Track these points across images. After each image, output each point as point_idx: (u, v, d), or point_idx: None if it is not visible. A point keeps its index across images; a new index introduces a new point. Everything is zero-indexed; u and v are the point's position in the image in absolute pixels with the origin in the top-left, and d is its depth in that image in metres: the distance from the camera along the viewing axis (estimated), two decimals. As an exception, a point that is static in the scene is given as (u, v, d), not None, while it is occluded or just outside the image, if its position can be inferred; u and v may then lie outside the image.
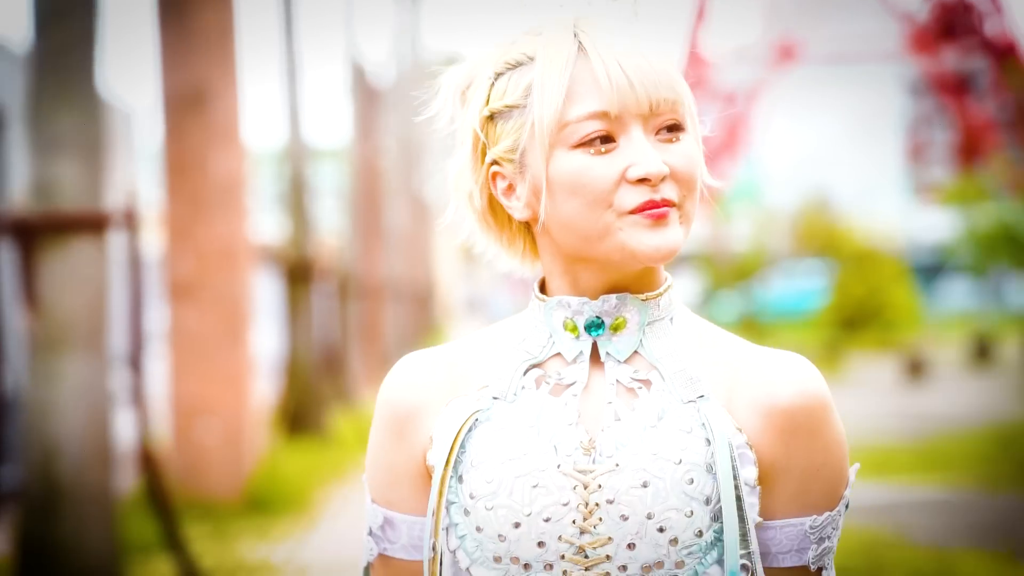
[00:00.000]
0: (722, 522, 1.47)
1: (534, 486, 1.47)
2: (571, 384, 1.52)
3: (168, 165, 9.84)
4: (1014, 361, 24.12)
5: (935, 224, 24.12)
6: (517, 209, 1.54)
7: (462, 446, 1.51)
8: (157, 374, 10.46)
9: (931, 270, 43.48)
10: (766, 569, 1.54)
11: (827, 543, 1.54)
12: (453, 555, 1.51)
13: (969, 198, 14.21)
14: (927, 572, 7.13)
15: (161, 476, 6.60)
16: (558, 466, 1.47)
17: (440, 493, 1.50)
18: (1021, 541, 8.10)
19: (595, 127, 1.48)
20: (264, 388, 13.02)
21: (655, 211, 1.47)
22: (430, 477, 1.55)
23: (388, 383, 1.59)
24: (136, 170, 13.77)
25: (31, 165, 5.81)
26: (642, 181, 1.47)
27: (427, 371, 1.58)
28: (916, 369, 22.02)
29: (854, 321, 29.39)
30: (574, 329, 1.53)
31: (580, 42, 1.51)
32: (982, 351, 25.47)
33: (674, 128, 1.51)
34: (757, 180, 50.37)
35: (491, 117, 1.54)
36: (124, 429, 7.37)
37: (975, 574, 7.08)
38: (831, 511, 1.54)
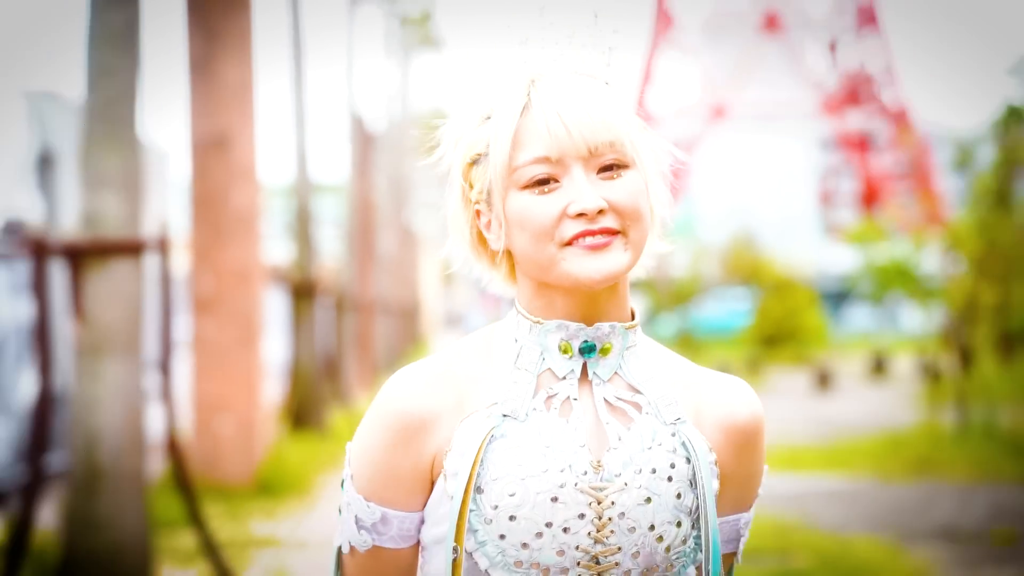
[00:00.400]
0: (699, 530, 1.46)
1: (554, 500, 1.42)
2: (569, 401, 1.48)
3: (194, 198, 9.75)
4: (905, 375, 24.17)
5: (841, 258, 24.21)
6: (494, 241, 1.51)
7: (481, 461, 1.45)
8: (182, 376, 10.37)
9: (838, 297, 43.53)
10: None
11: (747, 534, 1.57)
12: (470, 556, 1.45)
13: (868, 237, 14.28)
14: (827, 553, 7.05)
15: (185, 463, 6.52)
16: (575, 484, 1.43)
17: (464, 503, 1.43)
18: (906, 526, 8.05)
19: (539, 170, 1.44)
20: (273, 389, 12.82)
21: (592, 240, 1.42)
22: (431, 482, 1.48)
23: (396, 394, 1.49)
24: (167, 202, 13.66)
25: (80, 198, 5.75)
26: (580, 216, 1.42)
27: (434, 385, 1.49)
28: (824, 381, 22.01)
29: (773, 339, 29.37)
30: (568, 350, 1.48)
31: (530, 96, 1.46)
32: (879, 366, 25.52)
33: (615, 166, 1.45)
34: (693, 218, 50.36)
35: (471, 163, 1.51)
36: (154, 422, 7.30)
37: (868, 554, 7.03)
38: (752, 508, 1.57)
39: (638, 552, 1.43)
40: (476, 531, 1.43)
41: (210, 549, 6.16)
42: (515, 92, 1.47)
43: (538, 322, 1.49)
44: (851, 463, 11.11)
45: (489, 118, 1.49)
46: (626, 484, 1.43)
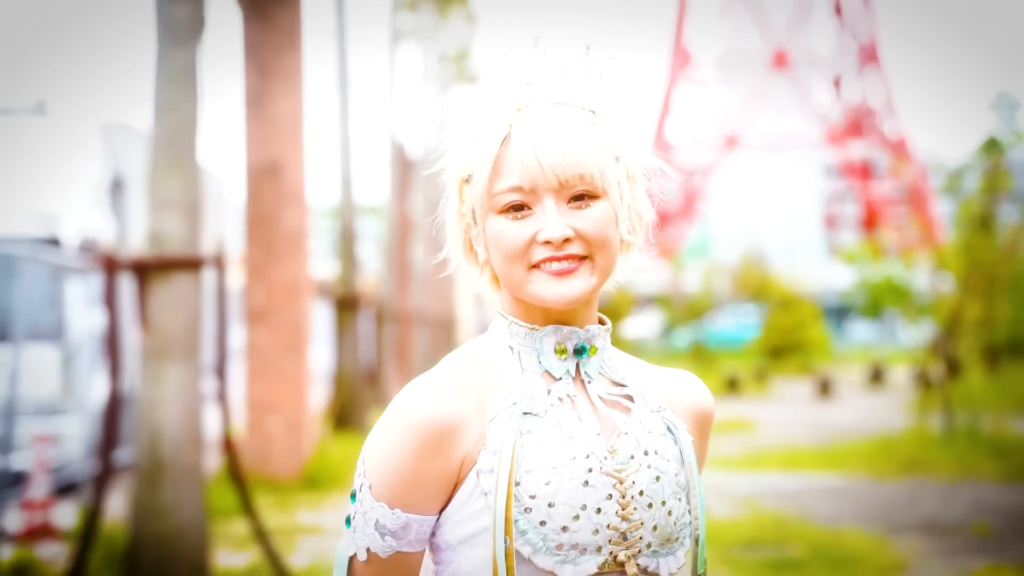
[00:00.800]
0: (690, 503, 1.50)
1: (585, 484, 1.42)
2: (576, 397, 1.49)
3: (248, 219, 9.86)
4: (901, 384, 24.06)
5: (844, 277, 24.19)
6: (480, 252, 1.52)
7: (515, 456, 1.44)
8: (236, 380, 10.49)
9: (840, 313, 43.33)
10: None
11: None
12: (514, 546, 1.42)
13: (864, 257, 14.31)
14: (820, 543, 7.08)
15: (239, 458, 6.62)
16: (600, 468, 1.44)
17: (508, 496, 1.41)
18: (893, 520, 8.07)
19: (512, 198, 1.44)
20: (318, 393, 12.89)
21: (557, 267, 1.43)
22: (456, 484, 1.45)
23: (422, 402, 1.45)
24: (224, 222, 13.84)
25: (147, 219, 5.90)
26: (547, 243, 1.43)
27: (455, 392, 1.47)
28: (825, 389, 21.93)
29: (779, 351, 29.29)
30: (563, 352, 1.49)
31: (511, 127, 1.46)
32: (877, 376, 25.40)
33: (585, 196, 1.44)
34: (707, 239, 50.24)
35: (464, 181, 1.51)
36: (211, 422, 7.42)
37: (857, 545, 7.05)
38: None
39: (656, 526, 1.45)
40: (516, 521, 1.42)
41: (261, 536, 6.23)
42: (499, 122, 1.47)
43: (533, 328, 1.49)
44: (846, 463, 11.10)
45: (476, 143, 1.48)
46: (640, 465, 1.45)
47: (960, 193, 12.74)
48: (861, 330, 44.11)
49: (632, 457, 1.46)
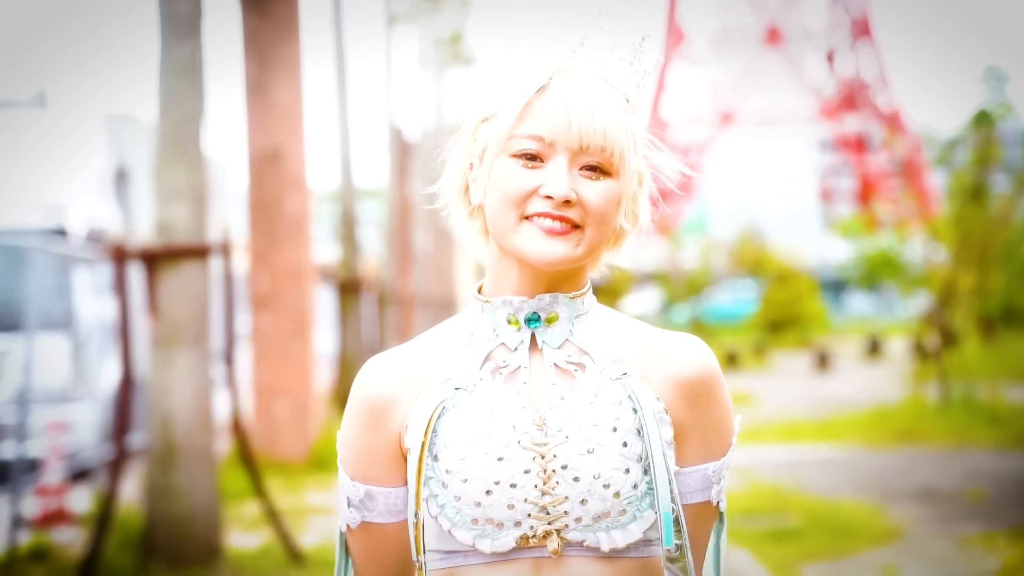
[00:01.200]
0: (652, 475, 1.41)
1: (499, 459, 1.40)
2: (517, 369, 1.46)
3: (251, 206, 9.91)
4: (898, 355, 24.17)
5: (840, 250, 24.29)
6: (475, 194, 1.49)
7: (434, 431, 1.43)
8: (243, 365, 10.57)
9: (837, 286, 43.43)
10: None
11: (724, 482, 1.50)
12: (436, 520, 1.43)
13: (858, 230, 14.42)
14: (817, 512, 7.17)
15: (249, 442, 6.72)
16: (518, 442, 1.41)
17: (419, 472, 1.42)
18: (889, 489, 8.18)
19: (530, 145, 1.42)
20: (323, 376, 12.96)
21: (550, 224, 1.41)
22: (404, 457, 1.47)
23: (363, 379, 1.50)
24: (227, 210, 13.91)
25: (154, 208, 5.96)
26: (548, 198, 1.41)
27: (395, 368, 1.49)
28: (823, 362, 22.04)
29: (777, 325, 29.41)
30: (516, 323, 1.46)
31: (550, 80, 1.44)
32: (874, 348, 25.52)
33: (597, 168, 1.42)
34: (704, 215, 50.27)
35: (483, 120, 1.49)
36: (219, 406, 7.52)
37: (853, 514, 7.15)
38: (724, 457, 1.50)
39: (586, 500, 1.40)
40: (436, 496, 1.42)
41: (273, 516, 6.32)
42: (539, 73, 1.45)
43: (487, 301, 1.48)
44: (843, 435, 11.20)
45: (511, 86, 1.47)
46: (567, 437, 1.41)
47: (952, 165, 12.82)
48: (858, 302, 44.24)
49: (560, 430, 1.41)
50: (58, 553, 6.24)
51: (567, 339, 1.47)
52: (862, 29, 50.07)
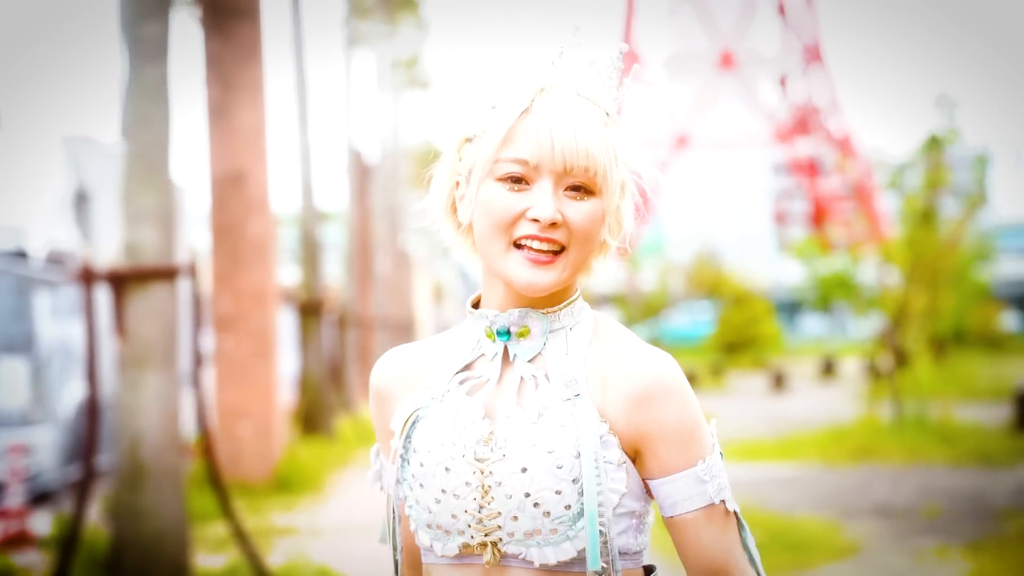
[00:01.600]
0: (584, 496, 1.42)
1: (447, 470, 1.45)
2: (484, 383, 1.50)
3: (214, 228, 9.88)
4: (852, 375, 24.47)
5: (794, 272, 24.62)
6: (463, 214, 1.51)
7: (407, 436, 1.50)
8: (207, 386, 10.53)
9: (791, 307, 43.88)
10: (683, 515, 1.46)
11: (718, 480, 1.47)
12: (409, 519, 1.51)
13: (812, 252, 14.66)
14: (776, 529, 7.26)
15: (218, 462, 6.70)
16: (463, 455, 1.45)
17: (395, 475, 1.51)
18: (846, 505, 8.30)
19: (514, 168, 1.44)
20: (284, 397, 13.06)
21: (535, 256, 1.44)
22: None
23: (374, 370, 1.62)
24: (187, 232, 13.89)
25: (123, 230, 5.97)
26: (534, 220, 1.43)
27: (395, 364, 1.59)
28: (779, 382, 22.23)
29: (733, 346, 29.68)
30: (491, 335, 1.50)
31: (533, 102, 1.46)
32: (828, 368, 25.80)
33: (581, 189, 1.44)
34: (661, 238, 50.64)
35: (466, 140, 1.50)
36: (184, 425, 7.51)
37: (812, 530, 7.25)
38: (709, 457, 1.47)
39: (517, 516, 1.43)
40: (405, 497, 1.50)
41: (241, 537, 6.31)
42: (522, 94, 1.46)
43: (470, 312, 1.53)
44: (800, 453, 11.34)
45: (494, 108, 1.48)
46: (504, 455, 1.43)
47: (903, 189, 13.08)
48: (812, 324, 44.73)
49: (500, 447, 1.44)
50: (22, 575, 6.21)
51: (539, 352, 1.49)
52: (813, 55, 50.83)
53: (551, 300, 1.50)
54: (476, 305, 1.56)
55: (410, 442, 1.49)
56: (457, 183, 1.52)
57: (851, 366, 26.65)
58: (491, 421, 1.47)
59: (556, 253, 1.45)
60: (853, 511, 8.07)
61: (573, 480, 1.42)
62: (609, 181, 1.46)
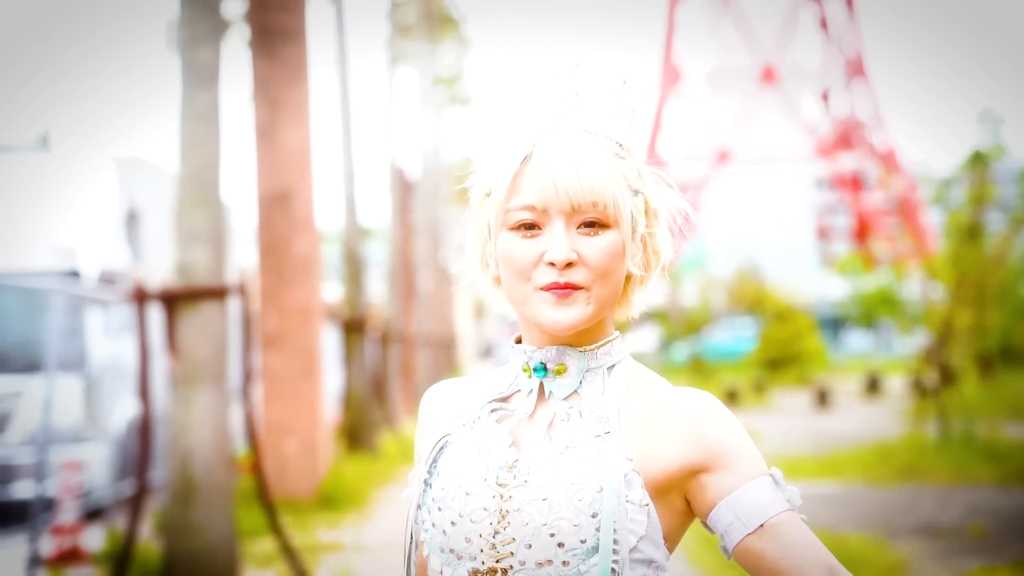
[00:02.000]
0: (601, 532, 1.42)
1: (467, 494, 1.46)
2: (514, 412, 1.52)
3: (261, 247, 10.02)
4: (897, 392, 24.25)
5: (837, 288, 24.48)
6: (491, 267, 1.53)
7: (434, 460, 1.51)
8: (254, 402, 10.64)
9: (835, 323, 43.57)
10: (776, 517, 1.40)
11: (790, 489, 1.45)
12: (425, 544, 1.51)
13: (855, 268, 14.61)
14: (822, 548, 7.32)
15: (267, 479, 6.79)
16: (484, 480, 1.46)
17: (416, 500, 1.51)
18: (891, 524, 8.26)
19: (525, 216, 1.45)
20: (330, 413, 13.11)
21: (557, 291, 1.44)
22: None
23: (422, 400, 1.65)
24: (234, 250, 14.06)
25: (175, 250, 6.12)
26: (551, 264, 1.43)
27: (439, 396, 1.61)
28: (823, 399, 22.05)
29: (776, 363, 29.51)
30: (527, 370, 1.52)
31: (534, 147, 1.46)
32: (873, 385, 25.57)
33: (594, 224, 1.44)
34: (703, 253, 50.50)
35: (486, 195, 1.52)
36: (233, 442, 7.63)
37: (857, 549, 7.20)
38: (772, 471, 1.45)
39: (531, 544, 1.42)
40: (423, 521, 1.50)
41: (289, 553, 6.42)
42: (523, 141, 1.48)
43: (512, 348, 1.54)
44: (844, 471, 11.27)
45: (497, 158, 1.50)
46: (526, 482, 1.44)
47: (948, 204, 13.02)
48: (857, 340, 44.36)
49: (523, 474, 1.44)
50: (75, 590, 6.34)
51: (575, 391, 1.49)
52: (856, 69, 50.57)
53: (588, 339, 1.50)
54: (518, 342, 1.56)
55: (435, 467, 1.51)
56: (485, 239, 1.53)
57: (897, 383, 26.40)
58: (517, 450, 1.47)
59: (576, 290, 1.44)
60: (898, 530, 8.04)
61: (592, 515, 1.41)
62: (622, 211, 1.45)
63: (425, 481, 1.51)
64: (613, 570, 1.40)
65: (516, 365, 1.54)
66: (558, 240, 1.43)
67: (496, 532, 1.44)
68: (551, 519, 1.42)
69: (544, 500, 1.42)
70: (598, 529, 1.41)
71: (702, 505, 1.46)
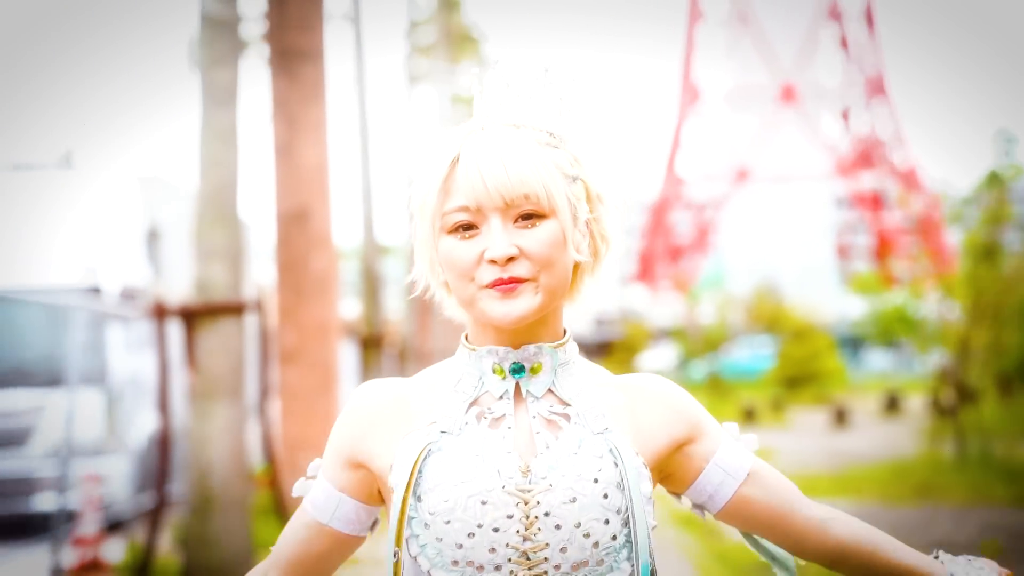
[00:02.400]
0: (630, 527, 1.44)
1: (483, 503, 1.42)
2: (501, 416, 1.48)
3: (279, 264, 10.18)
4: (917, 412, 24.17)
5: (857, 307, 24.50)
6: (438, 273, 1.52)
7: (419, 472, 1.44)
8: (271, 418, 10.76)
9: (855, 342, 43.48)
10: (756, 467, 1.56)
11: (745, 437, 1.61)
12: (415, 560, 1.45)
13: (872, 287, 14.66)
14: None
15: (284, 492, 6.90)
16: (503, 487, 1.42)
17: (402, 511, 1.44)
18: (905, 542, 8.30)
19: (460, 217, 1.44)
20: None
21: (502, 287, 1.43)
22: (366, 480, 1.52)
23: (357, 397, 1.55)
24: (251, 267, 14.22)
25: (194, 267, 6.27)
26: (492, 262, 1.43)
27: (383, 394, 1.54)
28: (841, 418, 21.99)
29: (795, 381, 29.44)
30: (501, 372, 1.49)
31: (461, 148, 1.46)
32: (892, 404, 25.52)
33: (531, 216, 1.43)
34: (721, 271, 50.49)
35: (423, 203, 1.50)
36: (251, 456, 7.75)
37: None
38: (726, 425, 1.61)
39: (566, 548, 1.42)
40: (418, 536, 1.43)
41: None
42: (451, 144, 1.48)
43: (473, 349, 1.51)
44: (860, 489, 11.28)
45: (427, 164, 1.50)
46: (551, 485, 1.43)
47: (966, 223, 13.05)
48: (877, 359, 44.25)
49: (544, 478, 1.43)
50: (96, 601, 6.44)
51: (549, 389, 1.50)
52: (876, 87, 50.58)
53: (552, 335, 1.50)
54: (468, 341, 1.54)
55: (422, 478, 1.44)
56: (431, 245, 1.52)
57: (916, 403, 26.33)
58: (520, 454, 1.45)
59: (521, 281, 1.44)
60: (912, 547, 8.06)
61: (617, 511, 1.43)
62: (557, 200, 1.44)
63: (414, 496, 1.44)
64: (650, 560, 1.44)
65: (480, 367, 1.50)
66: (496, 237, 1.42)
67: (525, 539, 1.41)
68: (584, 519, 1.42)
69: (573, 501, 1.42)
70: (625, 524, 1.43)
71: (688, 473, 1.56)
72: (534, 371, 1.49)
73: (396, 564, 1.45)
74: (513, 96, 1.50)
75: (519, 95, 1.50)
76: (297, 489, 1.58)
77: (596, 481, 1.43)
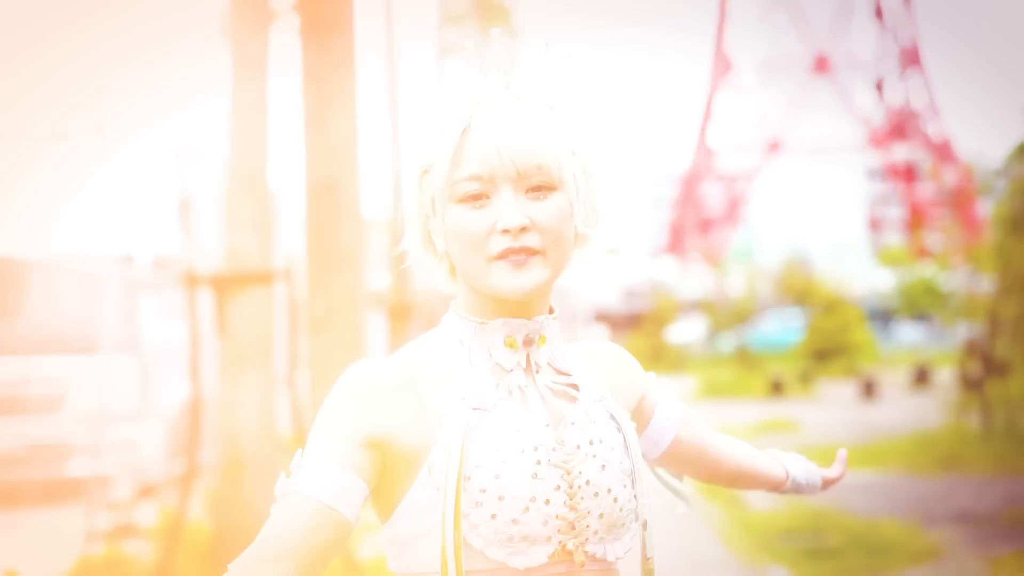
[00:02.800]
0: (637, 488, 1.50)
1: (534, 477, 1.42)
2: (525, 388, 1.49)
3: (308, 235, 10.28)
4: (945, 384, 24.06)
5: (888, 279, 24.36)
6: (438, 242, 1.51)
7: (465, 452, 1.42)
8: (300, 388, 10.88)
9: (886, 315, 43.25)
10: (680, 424, 1.70)
11: (659, 400, 1.71)
12: (465, 540, 1.41)
13: (902, 259, 14.60)
14: (856, 532, 7.33)
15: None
16: (548, 460, 1.44)
17: (457, 493, 1.39)
18: (928, 512, 8.31)
19: (472, 187, 1.43)
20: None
21: (514, 257, 1.42)
22: (374, 458, 1.42)
23: (360, 373, 1.48)
24: (281, 237, 14.32)
25: (225, 237, 6.37)
26: (505, 232, 1.42)
27: (389, 369, 1.48)
28: (869, 390, 21.92)
29: (824, 354, 29.34)
30: (513, 344, 1.49)
31: (472, 117, 1.45)
32: (922, 376, 25.43)
33: (542, 187, 1.43)
34: (751, 244, 50.27)
35: (423, 172, 1.50)
36: (280, 425, 7.86)
37: (891, 534, 7.30)
38: (648, 375, 1.71)
39: (603, 513, 1.46)
40: (467, 515, 1.41)
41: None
42: (460, 112, 1.46)
43: (482, 323, 1.49)
44: (886, 460, 11.30)
45: (435, 133, 1.48)
46: (586, 455, 1.46)
47: (996, 194, 12.96)
48: (908, 332, 44.01)
49: (579, 447, 1.46)
50: (130, 563, 6.60)
51: (548, 360, 1.52)
52: (911, 58, 50.02)
53: (547, 307, 1.51)
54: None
55: (467, 458, 1.41)
56: (426, 216, 1.51)
57: (946, 375, 26.21)
58: (552, 426, 1.47)
59: (533, 255, 1.44)
60: (935, 517, 8.10)
61: (627, 472, 1.49)
62: (565, 172, 1.45)
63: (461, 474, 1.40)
64: (644, 524, 1.53)
65: (488, 339, 1.48)
66: (509, 207, 1.41)
67: (571, 509, 1.43)
68: (614, 484, 1.47)
69: (604, 468, 1.46)
70: (633, 484, 1.49)
71: (641, 423, 1.68)
72: (541, 342, 1.51)
73: (456, 546, 1.39)
74: (515, 69, 1.50)
75: (521, 68, 1.50)
76: (280, 487, 1.44)
77: (613, 448, 1.49)
